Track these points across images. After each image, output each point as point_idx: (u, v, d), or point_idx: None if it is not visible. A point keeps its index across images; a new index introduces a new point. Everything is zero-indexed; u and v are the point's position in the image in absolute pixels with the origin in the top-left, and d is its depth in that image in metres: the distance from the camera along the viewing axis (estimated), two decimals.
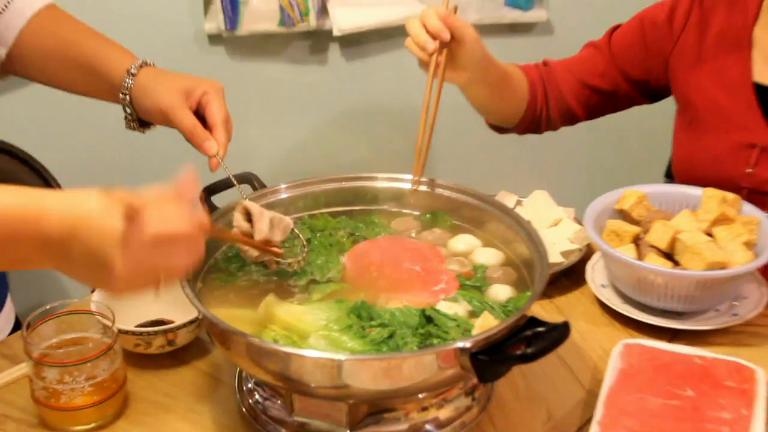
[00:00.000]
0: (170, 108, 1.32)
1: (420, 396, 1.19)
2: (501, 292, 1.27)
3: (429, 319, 1.18)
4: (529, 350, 1.07)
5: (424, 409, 1.21)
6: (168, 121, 1.34)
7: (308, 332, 1.16)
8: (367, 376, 1.08)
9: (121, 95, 1.37)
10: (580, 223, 1.60)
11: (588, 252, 1.58)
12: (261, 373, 1.15)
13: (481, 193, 1.40)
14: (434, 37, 1.44)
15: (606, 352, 1.35)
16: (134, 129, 1.43)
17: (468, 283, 1.29)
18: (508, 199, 1.65)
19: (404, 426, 1.19)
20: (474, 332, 1.15)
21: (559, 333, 1.09)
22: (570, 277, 1.56)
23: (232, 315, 1.21)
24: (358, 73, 2.68)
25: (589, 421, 1.22)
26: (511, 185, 1.71)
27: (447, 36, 1.44)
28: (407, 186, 1.43)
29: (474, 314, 1.22)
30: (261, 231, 1.22)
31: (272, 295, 1.23)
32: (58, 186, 2.05)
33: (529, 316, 1.12)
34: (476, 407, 1.25)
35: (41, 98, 2.41)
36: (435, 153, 2.49)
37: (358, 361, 1.07)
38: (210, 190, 1.39)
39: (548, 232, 1.58)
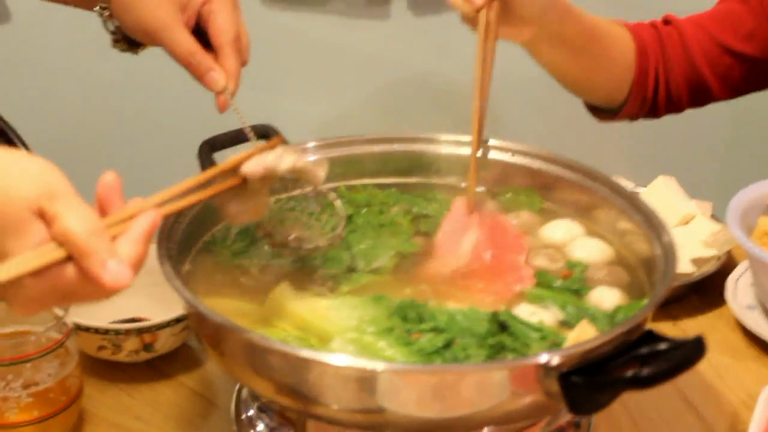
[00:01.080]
0: (159, 28, 1.20)
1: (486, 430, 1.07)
2: (606, 297, 1.15)
3: (503, 327, 1.05)
4: (644, 371, 0.94)
5: None
6: (158, 44, 1.23)
7: (331, 334, 1.05)
8: (412, 396, 0.97)
9: (98, 8, 1.27)
10: (719, 221, 1.46)
11: (729, 261, 1.45)
12: (264, 388, 1.04)
13: (585, 166, 1.28)
14: None
15: (751, 396, 1.24)
16: (124, 50, 1.32)
17: (558, 285, 1.16)
18: None
19: None
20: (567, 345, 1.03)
21: (688, 352, 0.97)
22: (703, 294, 1.44)
23: (228, 308, 1.10)
24: (430, 32, 2.57)
25: None
26: (625, 170, 1.58)
27: None
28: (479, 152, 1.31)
29: (567, 325, 1.11)
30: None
31: (286, 284, 1.12)
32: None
33: (646, 329, 1.00)
34: None
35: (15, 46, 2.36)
36: (520, 124, 2.37)
37: (399, 372, 0.96)
38: (211, 145, 1.28)
39: (675, 232, 1.44)
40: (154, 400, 1.24)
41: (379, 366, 0.95)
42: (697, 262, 1.42)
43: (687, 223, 1.48)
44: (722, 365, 1.31)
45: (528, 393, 0.97)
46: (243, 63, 1.24)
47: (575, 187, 1.28)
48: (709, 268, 1.42)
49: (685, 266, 1.41)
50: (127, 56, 1.34)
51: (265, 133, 1.31)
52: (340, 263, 1.18)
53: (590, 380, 0.95)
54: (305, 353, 0.97)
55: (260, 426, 1.15)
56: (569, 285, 1.17)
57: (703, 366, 1.26)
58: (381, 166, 1.33)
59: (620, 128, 1.89)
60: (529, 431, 1.11)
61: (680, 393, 1.26)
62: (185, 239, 1.16)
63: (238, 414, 1.19)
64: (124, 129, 2.46)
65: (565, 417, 1.14)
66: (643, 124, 1.67)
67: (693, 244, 1.44)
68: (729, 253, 1.45)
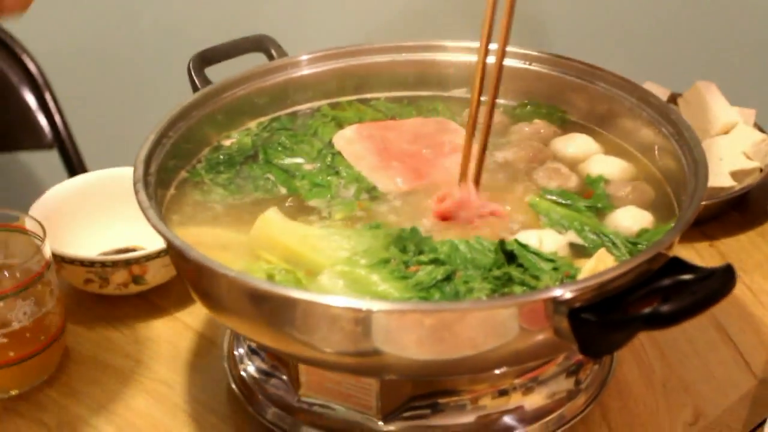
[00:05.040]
0: None
1: (497, 372, 0.98)
2: (631, 218, 1.03)
3: (510, 257, 0.94)
4: (663, 308, 0.82)
5: (503, 393, 1.00)
6: None
7: (321, 266, 0.94)
8: (408, 338, 0.86)
9: None
10: (763, 131, 1.34)
11: None
12: (246, 330, 0.94)
13: (611, 72, 1.16)
14: None
15: None
16: None
17: (576, 204, 1.05)
18: (657, 93, 1.38)
19: (469, 418, 0.99)
20: (581, 277, 0.91)
21: (715, 284, 0.85)
22: (743, 209, 1.33)
23: (212, 238, 1.01)
24: None
25: (760, 425, 1.05)
26: (661, 75, 1.45)
27: None
28: (493, 60, 1.19)
29: (584, 252, 0.99)
30: None
31: (274, 210, 1.01)
32: (44, 79, 1.91)
33: (671, 257, 0.89)
34: (583, 395, 1.04)
35: None
36: (546, 24, 2.21)
37: (389, 312, 0.85)
38: (204, 59, 1.18)
39: (714, 142, 1.33)
40: (145, 336, 1.15)
41: (365, 305, 0.84)
42: (737, 174, 1.30)
43: (728, 132, 1.35)
44: (763, 290, 1.20)
45: (535, 332, 0.87)
46: None
47: (599, 97, 1.16)
48: (751, 181, 1.30)
49: (724, 180, 1.29)
50: None
51: (260, 44, 1.21)
52: (328, 189, 1.08)
53: (604, 318, 0.84)
54: (282, 291, 0.86)
55: (251, 367, 1.05)
56: (592, 203, 1.06)
57: (741, 290, 1.18)
58: (382, 80, 1.23)
59: (654, 31, 1.75)
60: (545, 368, 1.01)
61: (715, 321, 1.15)
62: (169, 164, 1.06)
63: (230, 353, 1.10)
64: (109, 44, 2.31)
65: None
66: (681, 27, 1.53)
67: (734, 156, 1.31)
68: None
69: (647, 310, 0.83)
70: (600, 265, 0.93)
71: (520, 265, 0.94)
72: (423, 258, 0.94)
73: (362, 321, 0.84)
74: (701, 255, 1.25)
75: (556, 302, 0.84)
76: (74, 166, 1.97)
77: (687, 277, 0.86)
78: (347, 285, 0.92)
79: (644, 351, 1.11)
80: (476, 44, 1.19)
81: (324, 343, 0.88)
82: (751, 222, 1.30)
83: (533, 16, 2.09)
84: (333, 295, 0.89)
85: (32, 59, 1.92)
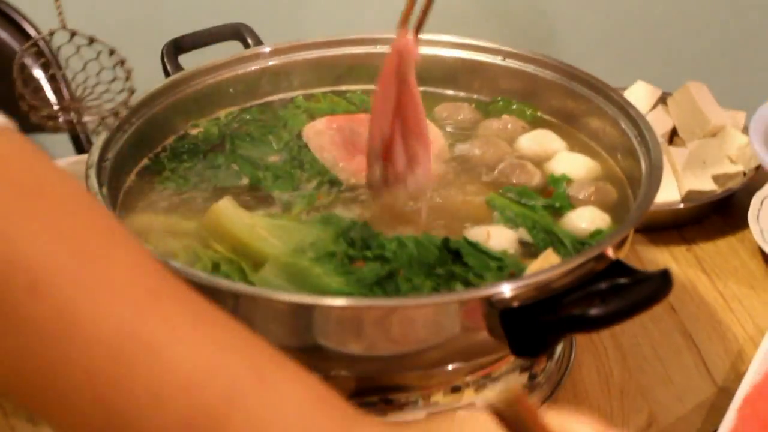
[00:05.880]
0: None
1: (449, 368, 0.98)
2: (588, 219, 1.03)
3: (456, 255, 0.95)
4: (591, 311, 0.82)
5: (455, 390, 1.00)
6: None
7: (267, 257, 0.95)
8: (345, 332, 0.88)
9: None
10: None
11: (757, 179, 1.31)
12: None
13: (581, 71, 1.15)
14: None
15: (761, 331, 1.13)
16: None
17: (532, 202, 1.05)
18: (647, 93, 1.39)
19: (421, 414, 0.99)
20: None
21: (648, 290, 0.85)
22: (726, 214, 1.31)
23: (163, 225, 1.02)
24: None
25: None
26: (653, 75, 1.43)
27: None
28: (468, 55, 1.19)
29: (535, 251, 0.99)
30: None
31: (227, 199, 1.02)
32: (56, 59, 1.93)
33: (613, 260, 0.89)
34: (538, 392, 1.04)
35: None
36: (536, 23, 2.18)
37: (319, 307, 0.86)
38: (178, 46, 1.19)
39: (701, 144, 1.32)
40: None
41: (295, 298, 0.86)
42: (720, 178, 1.28)
43: (715, 135, 1.33)
44: (735, 296, 1.19)
45: (470, 331, 0.87)
46: None
47: (570, 95, 1.16)
48: (733, 185, 1.28)
49: (706, 183, 1.27)
50: None
51: (236, 32, 1.23)
52: (291, 181, 1.08)
53: (533, 318, 0.84)
54: (211, 281, 0.87)
55: None
56: (550, 202, 1.06)
57: (713, 296, 1.17)
58: (350, 72, 1.23)
59: (646, 30, 1.72)
60: (498, 365, 1.01)
61: (681, 326, 1.14)
62: (131, 150, 1.08)
63: None
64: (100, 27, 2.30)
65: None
66: (674, 26, 1.51)
67: (717, 159, 1.30)
68: (758, 170, 1.31)
69: (576, 312, 0.83)
70: (546, 264, 0.93)
71: (465, 264, 0.94)
72: (368, 254, 0.95)
73: (294, 315, 0.86)
74: (677, 258, 1.24)
75: (488, 301, 0.85)
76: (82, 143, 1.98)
77: (623, 280, 0.86)
78: (289, 278, 0.93)
79: (606, 354, 1.10)
80: (453, 38, 1.20)
81: (267, 334, 0.89)
82: (732, 227, 1.29)
83: (523, 13, 2.08)
84: (272, 287, 0.91)
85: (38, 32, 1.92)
